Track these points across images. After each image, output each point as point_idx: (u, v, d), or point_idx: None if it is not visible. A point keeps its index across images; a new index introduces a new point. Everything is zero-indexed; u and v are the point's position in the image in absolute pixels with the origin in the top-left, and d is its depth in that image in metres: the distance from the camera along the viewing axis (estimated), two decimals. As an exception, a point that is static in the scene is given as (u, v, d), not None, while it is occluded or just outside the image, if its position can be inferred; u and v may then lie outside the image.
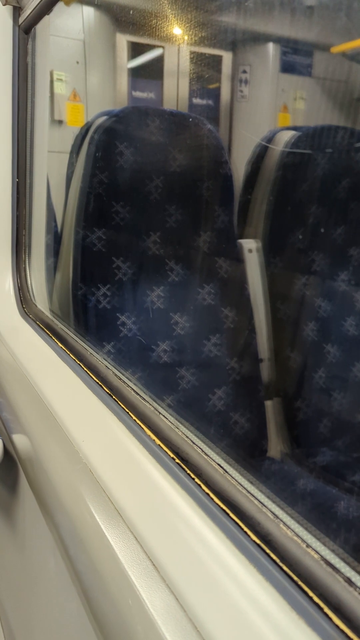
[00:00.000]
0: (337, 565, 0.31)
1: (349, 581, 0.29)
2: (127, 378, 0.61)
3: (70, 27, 2.67)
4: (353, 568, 0.30)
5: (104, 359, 0.69)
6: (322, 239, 1.25)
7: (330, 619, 0.28)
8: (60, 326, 0.82)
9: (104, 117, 1.03)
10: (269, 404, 1.19)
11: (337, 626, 0.28)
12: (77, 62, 2.70)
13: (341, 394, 1.23)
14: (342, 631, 0.28)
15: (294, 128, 1.24)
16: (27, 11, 0.87)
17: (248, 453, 1.12)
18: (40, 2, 0.83)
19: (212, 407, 1.08)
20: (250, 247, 1.19)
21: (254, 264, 1.20)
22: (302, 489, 1.06)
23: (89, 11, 2.70)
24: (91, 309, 1.01)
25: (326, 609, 0.29)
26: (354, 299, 1.27)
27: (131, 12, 2.74)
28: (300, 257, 1.24)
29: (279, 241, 1.22)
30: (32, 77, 0.92)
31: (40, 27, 0.91)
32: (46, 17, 0.89)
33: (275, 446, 1.19)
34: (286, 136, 1.21)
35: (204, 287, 1.12)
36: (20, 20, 0.90)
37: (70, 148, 1.10)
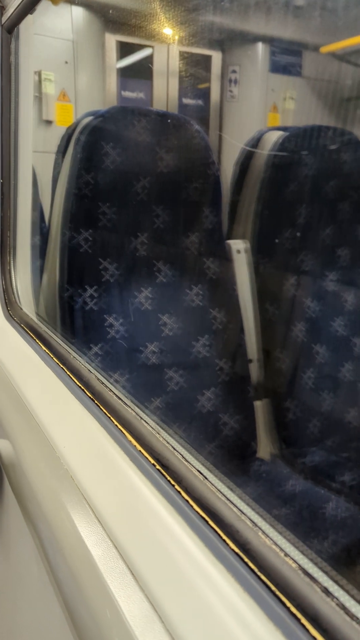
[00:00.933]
0: (315, 575, 0.30)
1: (326, 591, 0.29)
2: (109, 382, 0.61)
3: (59, 27, 2.66)
4: (331, 577, 0.30)
5: (88, 362, 0.68)
6: (311, 239, 1.25)
7: (307, 630, 0.28)
8: (44, 329, 0.81)
9: (90, 118, 1.02)
10: (258, 404, 1.18)
11: (314, 637, 0.27)
12: (66, 62, 2.69)
13: (330, 394, 1.23)
14: (319, 643, 0.27)
15: (283, 128, 1.24)
16: (10, 10, 0.86)
17: (237, 454, 1.12)
18: (22, 1, 0.82)
19: (200, 408, 1.08)
20: (239, 247, 1.19)
21: (243, 265, 1.19)
22: (291, 490, 1.06)
23: (77, 11, 2.69)
24: (78, 311, 1.00)
25: (303, 620, 0.28)
26: (342, 299, 1.27)
27: (120, 12, 2.73)
28: (288, 257, 1.23)
29: (267, 242, 1.22)
30: (15, 77, 0.91)
31: (23, 26, 0.90)
32: (29, 17, 0.88)
33: (265, 447, 1.18)
34: (274, 136, 1.21)
35: (192, 288, 1.12)
36: (3, 19, 0.89)
37: (57, 148, 1.09)
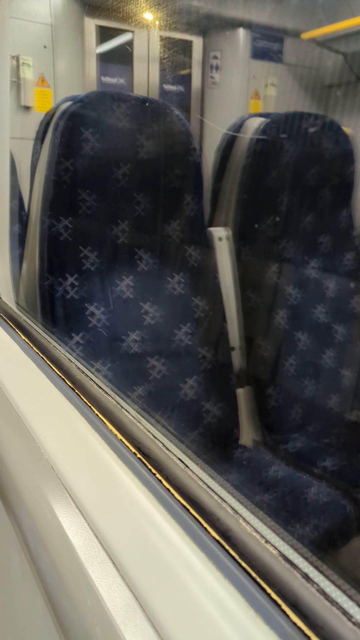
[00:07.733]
0: (295, 561, 0.30)
1: (306, 577, 0.29)
2: (90, 371, 0.60)
3: (37, 11, 2.60)
4: (311, 563, 0.30)
5: (68, 352, 0.67)
6: (292, 226, 1.25)
7: (287, 616, 0.28)
8: (24, 319, 0.80)
9: (69, 103, 1.00)
10: (240, 392, 1.19)
11: (294, 623, 0.27)
12: (45, 47, 2.64)
13: (312, 381, 1.23)
14: (299, 628, 0.27)
15: (264, 115, 1.23)
16: (-16, -9, 0.84)
17: (220, 441, 1.12)
18: (-3, -18, 0.80)
19: (183, 397, 1.08)
20: (220, 235, 1.18)
21: (224, 252, 1.19)
22: (274, 476, 1.07)
23: (56, -6, 2.63)
24: (58, 300, 0.99)
25: (284, 606, 0.28)
26: (323, 286, 1.27)
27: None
28: (270, 244, 1.23)
29: (249, 229, 1.21)
30: (-9, 60, 0.89)
31: (-2, 8, 0.88)
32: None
33: (247, 434, 1.19)
34: (255, 123, 1.20)
35: (174, 277, 1.11)
36: (-23, 1, 0.86)
37: (35, 135, 1.07)
